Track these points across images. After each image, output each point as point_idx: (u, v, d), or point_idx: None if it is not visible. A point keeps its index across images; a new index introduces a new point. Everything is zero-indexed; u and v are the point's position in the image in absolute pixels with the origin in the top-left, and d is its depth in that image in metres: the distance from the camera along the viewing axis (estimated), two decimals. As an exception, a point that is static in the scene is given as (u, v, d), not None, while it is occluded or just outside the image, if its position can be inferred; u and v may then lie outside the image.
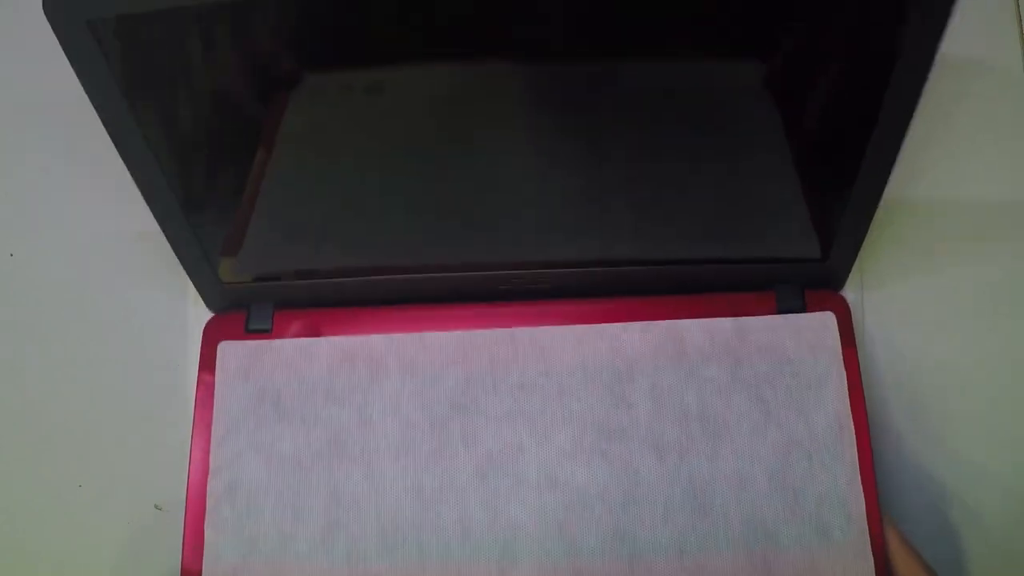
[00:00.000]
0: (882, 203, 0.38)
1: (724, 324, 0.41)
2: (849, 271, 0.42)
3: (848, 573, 0.38)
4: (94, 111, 0.34)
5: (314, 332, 0.42)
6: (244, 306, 0.43)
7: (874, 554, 0.38)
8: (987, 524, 0.42)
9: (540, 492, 0.39)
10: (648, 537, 0.39)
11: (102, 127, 0.35)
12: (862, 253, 0.41)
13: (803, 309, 0.42)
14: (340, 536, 0.39)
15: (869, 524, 0.39)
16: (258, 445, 0.40)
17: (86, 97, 0.33)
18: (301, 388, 0.41)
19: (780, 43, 0.33)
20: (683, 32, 0.33)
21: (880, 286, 0.45)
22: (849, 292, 0.44)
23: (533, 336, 0.42)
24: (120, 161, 0.36)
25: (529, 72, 0.34)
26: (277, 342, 0.42)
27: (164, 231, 0.39)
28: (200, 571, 0.39)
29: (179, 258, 0.40)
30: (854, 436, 0.40)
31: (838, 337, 0.41)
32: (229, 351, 0.42)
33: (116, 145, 0.35)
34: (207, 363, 0.42)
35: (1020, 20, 0.46)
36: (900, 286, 0.45)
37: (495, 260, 0.41)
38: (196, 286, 0.42)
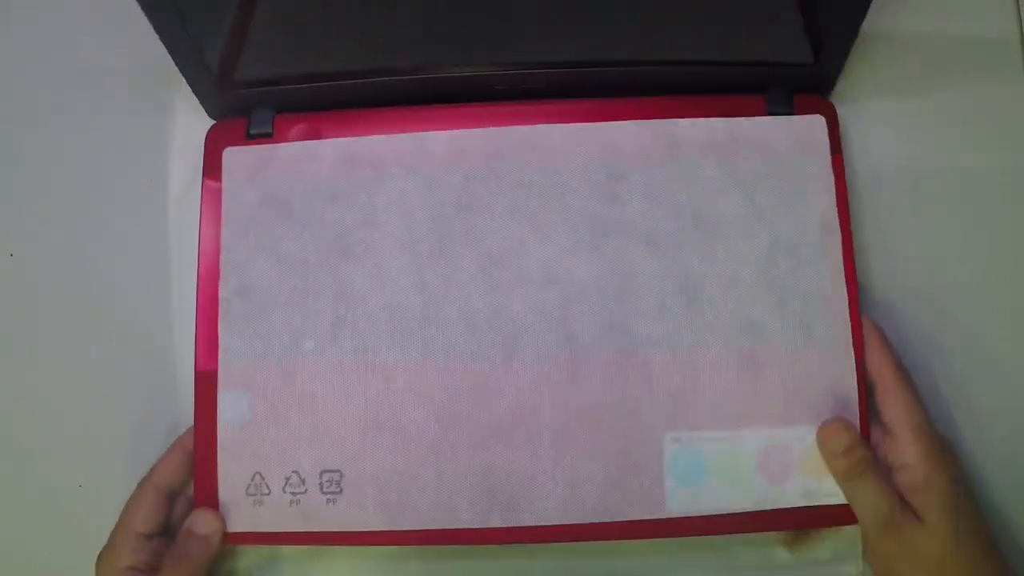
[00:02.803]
0: (870, 30, 0.39)
1: (716, 124, 0.42)
2: (837, 76, 0.43)
3: (830, 369, 0.40)
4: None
5: (314, 135, 0.43)
6: (244, 112, 0.43)
7: (854, 352, 0.40)
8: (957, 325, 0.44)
9: (540, 287, 0.41)
10: (642, 330, 0.40)
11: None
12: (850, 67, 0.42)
13: (791, 113, 0.43)
14: (347, 332, 0.41)
15: (851, 323, 0.40)
16: (266, 247, 0.41)
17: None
18: (305, 190, 0.42)
19: None
20: None
21: (861, 101, 0.45)
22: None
23: (529, 134, 0.42)
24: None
25: None
26: (281, 146, 0.42)
27: (162, 37, 0.39)
28: (214, 372, 0.41)
29: (177, 65, 0.40)
30: (839, 238, 0.41)
31: (827, 139, 0.42)
32: (234, 156, 0.42)
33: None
34: (211, 170, 0.42)
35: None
36: (881, 105, 0.45)
37: (490, 59, 0.42)
38: (196, 93, 0.42)
